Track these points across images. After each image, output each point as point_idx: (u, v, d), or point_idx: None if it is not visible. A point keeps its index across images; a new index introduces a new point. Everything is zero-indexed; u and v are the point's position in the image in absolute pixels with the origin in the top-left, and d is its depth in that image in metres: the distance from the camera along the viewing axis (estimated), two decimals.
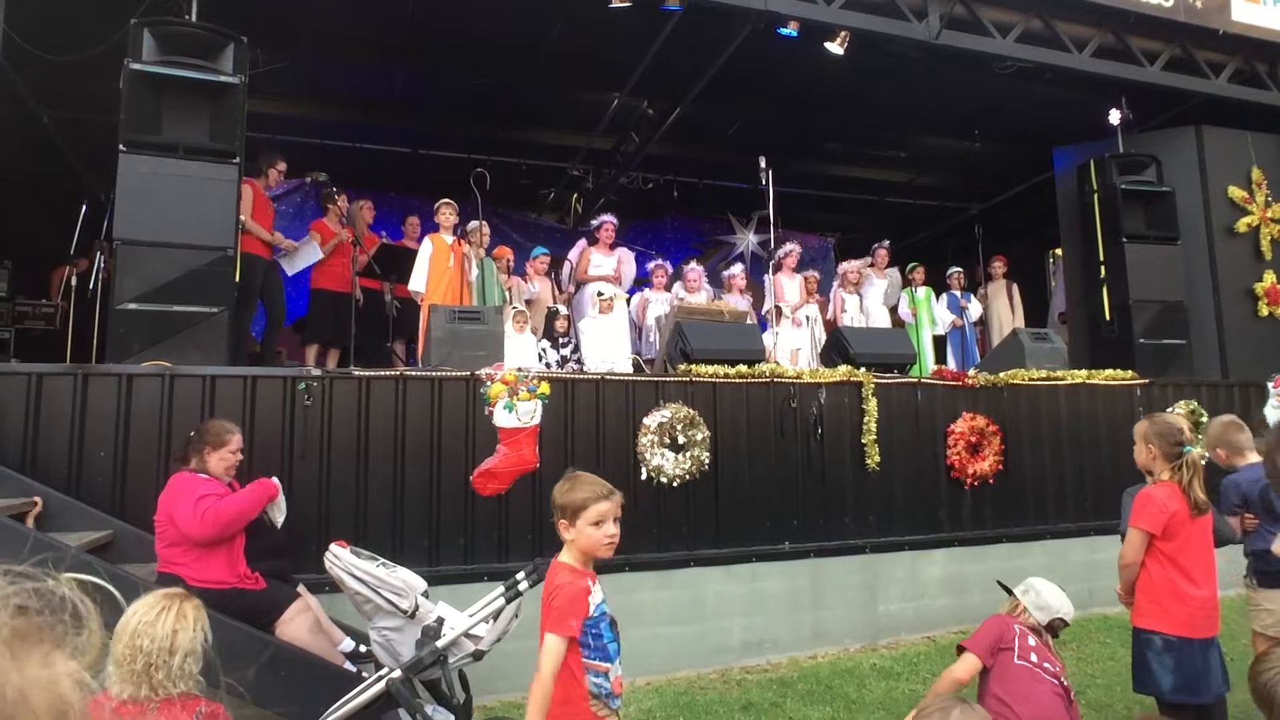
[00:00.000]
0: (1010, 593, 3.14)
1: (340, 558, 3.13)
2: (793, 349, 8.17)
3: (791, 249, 8.94)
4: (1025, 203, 10.98)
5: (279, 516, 3.90)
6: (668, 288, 8.53)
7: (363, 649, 3.68)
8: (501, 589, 3.04)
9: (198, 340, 4.67)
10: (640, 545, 5.08)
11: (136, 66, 4.76)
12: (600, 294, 7.86)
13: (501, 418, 4.67)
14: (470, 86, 8.04)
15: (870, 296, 9.03)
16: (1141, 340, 7.32)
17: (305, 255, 6.98)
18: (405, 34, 7.01)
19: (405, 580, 3.14)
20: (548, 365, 7.14)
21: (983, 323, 9.35)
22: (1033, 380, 6.55)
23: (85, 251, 7.42)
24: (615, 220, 8.45)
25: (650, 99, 8.45)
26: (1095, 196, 7.80)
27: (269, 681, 3.11)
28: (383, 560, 3.22)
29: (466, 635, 3.08)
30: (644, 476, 5.15)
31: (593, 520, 2.33)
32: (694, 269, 8.55)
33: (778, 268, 8.69)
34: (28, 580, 0.59)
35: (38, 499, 3.91)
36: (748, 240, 11.86)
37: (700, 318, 6.37)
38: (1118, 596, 3.34)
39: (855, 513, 5.79)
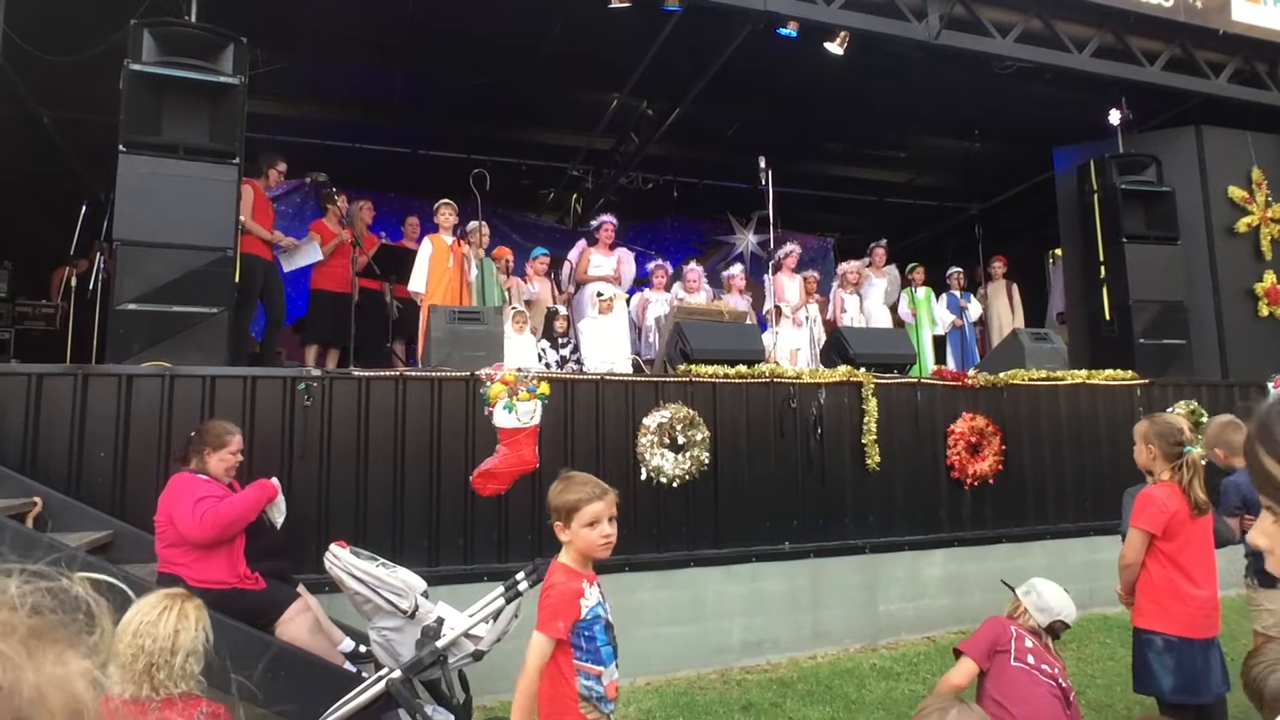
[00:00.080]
0: (1014, 591, 3.13)
1: (340, 558, 3.14)
2: (792, 349, 8.17)
3: (791, 249, 8.94)
4: (1025, 203, 10.98)
5: (279, 517, 3.90)
6: (667, 288, 8.52)
7: (363, 649, 3.68)
8: (501, 589, 3.04)
9: (197, 341, 4.67)
10: (640, 545, 5.08)
11: (136, 67, 4.76)
12: (600, 294, 7.86)
13: (501, 418, 4.67)
14: (470, 86, 8.05)
15: (871, 297, 9.03)
16: (1141, 340, 7.32)
17: (305, 254, 6.98)
18: (405, 34, 7.01)
19: (405, 580, 3.14)
20: (547, 365, 7.14)
21: (983, 323, 9.34)
22: (1033, 380, 6.54)
23: (85, 252, 7.43)
24: (615, 220, 8.45)
25: (650, 99, 8.45)
26: (1095, 196, 7.80)
27: (269, 681, 3.10)
28: (382, 560, 3.22)
29: (466, 635, 3.08)
30: (644, 477, 5.15)
31: (587, 521, 2.32)
32: (694, 269, 8.55)
33: (777, 268, 8.69)
34: (42, 579, 0.60)
35: (38, 499, 3.91)
36: (747, 240, 11.86)
37: (700, 318, 6.37)
38: (1118, 597, 3.34)
39: (855, 513, 5.79)
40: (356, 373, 4.81)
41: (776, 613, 5.41)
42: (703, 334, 5.84)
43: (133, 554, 3.95)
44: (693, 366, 5.49)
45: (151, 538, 3.69)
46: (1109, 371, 6.91)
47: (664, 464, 5.16)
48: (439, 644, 3.01)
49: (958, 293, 8.97)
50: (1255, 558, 3.56)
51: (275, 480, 3.86)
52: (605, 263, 8.22)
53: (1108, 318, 7.62)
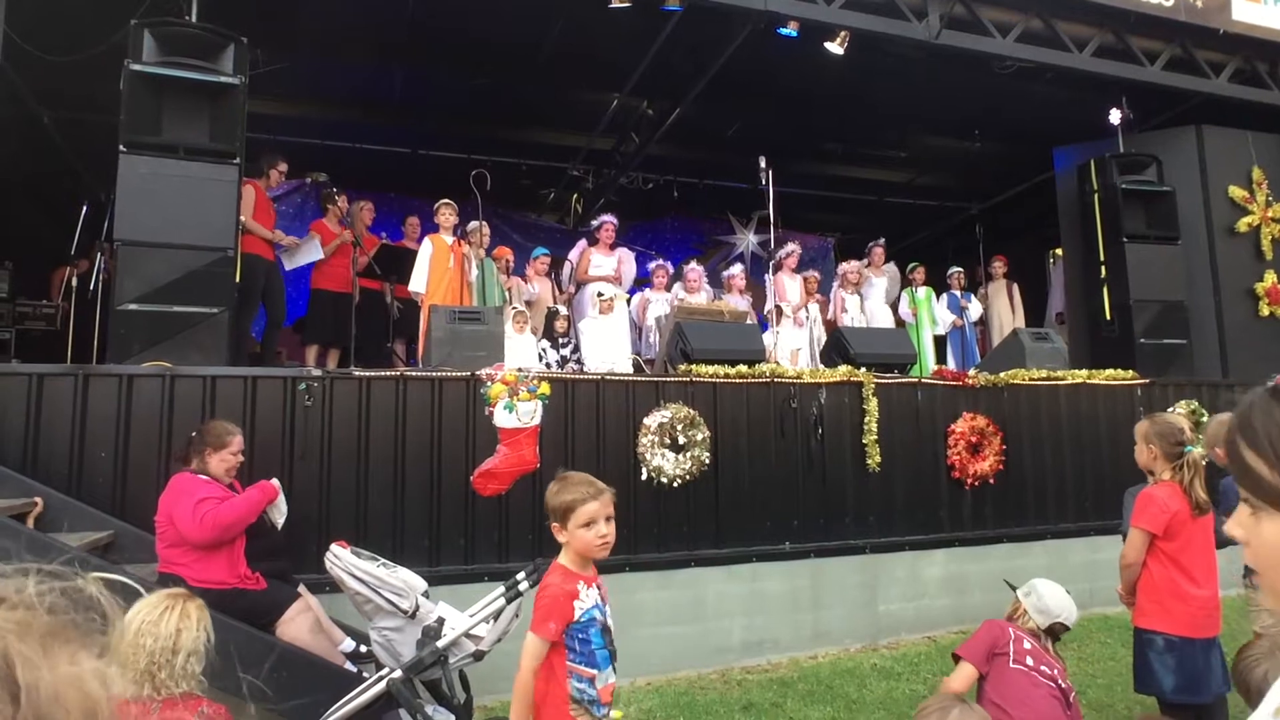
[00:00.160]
0: (1015, 592, 3.12)
1: (340, 558, 3.13)
2: (793, 349, 8.18)
3: (791, 249, 8.94)
4: (1025, 203, 10.98)
5: (279, 517, 3.89)
6: (668, 288, 8.52)
7: (363, 649, 3.68)
8: (502, 589, 3.04)
9: (198, 341, 4.67)
10: (641, 545, 5.08)
11: (137, 67, 4.76)
12: (600, 294, 7.86)
13: (502, 418, 4.67)
14: (470, 86, 8.05)
15: (871, 297, 9.03)
16: (1142, 340, 7.32)
17: (306, 253, 6.98)
18: (405, 34, 7.01)
19: (405, 580, 3.14)
20: (548, 365, 7.14)
21: (983, 323, 9.35)
22: (1033, 380, 6.54)
23: (86, 252, 7.42)
24: (615, 220, 8.45)
25: (650, 99, 8.45)
26: (1095, 196, 7.80)
27: (269, 681, 3.11)
28: (383, 560, 3.22)
29: (467, 635, 3.08)
30: (644, 477, 5.15)
31: (583, 522, 2.31)
32: (694, 269, 8.55)
33: (778, 268, 8.69)
34: (57, 579, 0.60)
35: (38, 499, 3.91)
36: (748, 240, 11.86)
37: (700, 318, 6.37)
38: (1119, 596, 3.34)
39: (856, 513, 5.79)
40: (357, 373, 4.81)
41: (777, 613, 5.41)
42: (703, 334, 5.84)
43: (133, 554, 3.95)
44: (693, 366, 5.49)
45: (152, 538, 3.70)
46: (1109, 371, 6.91)
47: (664, 464, 5.16)
48: (440, 644, 3.01)
49: (958, 292, 8.97)
50: None
51: (276, 481, 3.86)
52: (606, 263, 8.22)
53: (1108, 317, 7.62)
